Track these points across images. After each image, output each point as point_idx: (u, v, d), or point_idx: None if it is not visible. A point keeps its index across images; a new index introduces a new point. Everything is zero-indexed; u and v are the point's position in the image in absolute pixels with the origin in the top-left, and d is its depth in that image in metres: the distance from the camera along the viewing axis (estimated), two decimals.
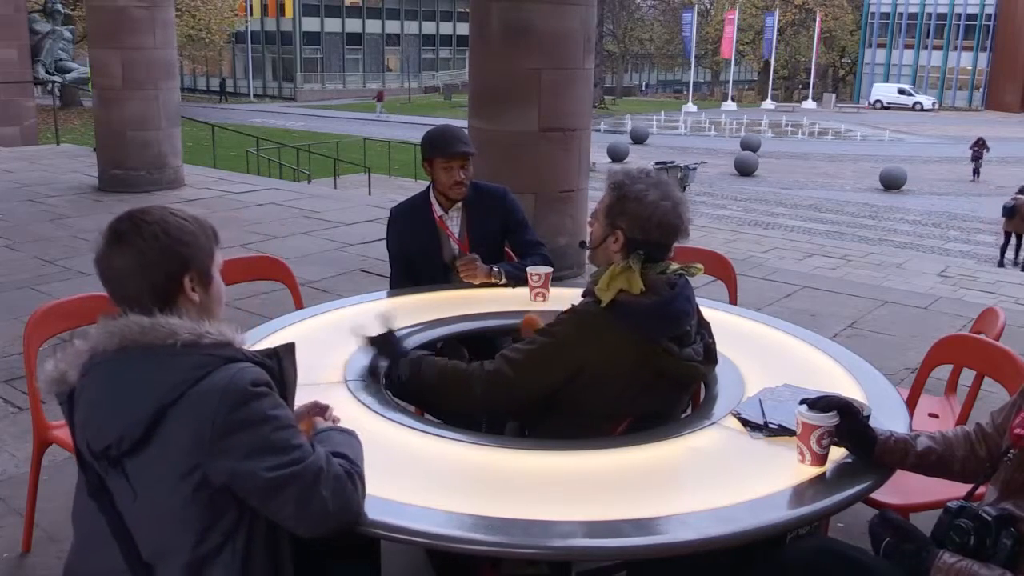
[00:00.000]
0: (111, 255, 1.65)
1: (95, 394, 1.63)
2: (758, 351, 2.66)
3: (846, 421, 1.90)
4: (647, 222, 2.20)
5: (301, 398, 1.88)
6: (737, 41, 52.69)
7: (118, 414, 1.59)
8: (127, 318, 1.64)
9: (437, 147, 3.27)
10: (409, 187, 16.44)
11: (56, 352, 1.69)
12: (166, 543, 1.60)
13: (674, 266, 2.29)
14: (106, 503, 1.64)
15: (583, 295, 2.31)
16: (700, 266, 2.38)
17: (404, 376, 2.31)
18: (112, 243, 1.66)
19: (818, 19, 54.27)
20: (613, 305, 2.17)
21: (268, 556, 1.68)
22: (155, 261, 1.65)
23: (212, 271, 1.74)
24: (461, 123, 5.49)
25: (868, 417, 2.03)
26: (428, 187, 3.39)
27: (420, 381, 2.30)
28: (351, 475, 1.68)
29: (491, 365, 2.26)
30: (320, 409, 1.98)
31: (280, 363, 1.75)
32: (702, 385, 2.49)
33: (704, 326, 2.36)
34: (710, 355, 2.34)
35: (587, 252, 2.39)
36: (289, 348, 1.80)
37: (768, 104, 53.37)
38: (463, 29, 56.75)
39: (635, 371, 2.18)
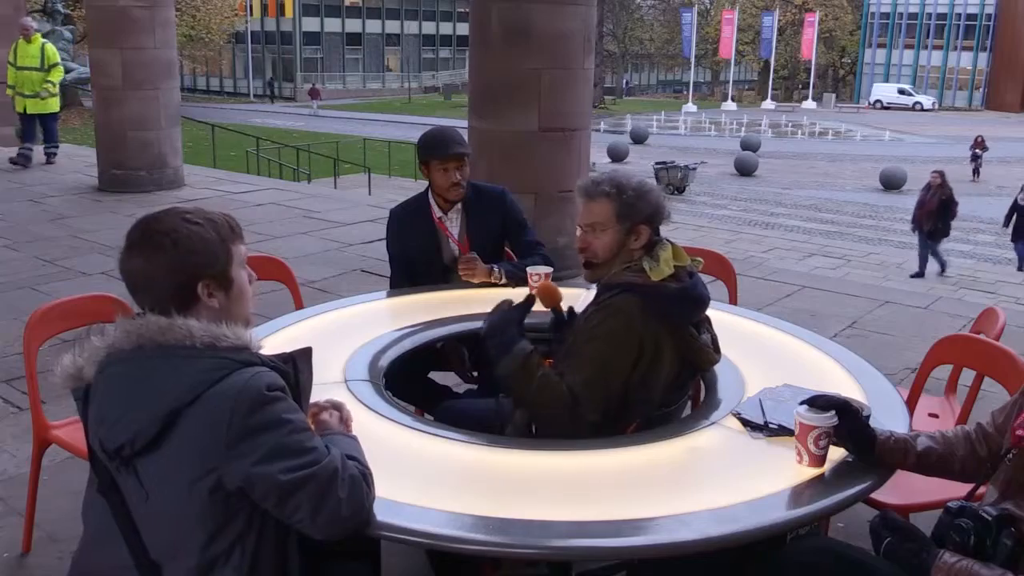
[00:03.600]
0: (126, 262, 1.67)
1: (110, 392, 1.63)
2: (758, 351, 2.66)
3: (845, 421, 1.90)
4: (659, 208, 2.36)
5: None
6: (737, 41, 52.62)
7: (132, 413, 1.59)
8: (145, 318, 1.65)
9: (432, 149, 3.27)
10: (409, 187, 16.45)
11: (74, 347, 1.69)
12: (176, 544, 1.61)
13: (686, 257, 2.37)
14: (116, 501, 1.64)
15: (606, 288, 2.31)
16: (700, 260, 2.48)
17: (504, 366, 2.24)
18: (126, 250, 1.67)
19: (808, 20, 53.95)
20: (643, 293, 2.22)
21: (277, 559, 1.68)
22: (165, 272, 1.65)
23: (231, 273, 1.72)
24: (461, 123, 5.50)
25: (868, 417, 2.03)
26: (427, 188, 3.39)
27: (516, 378, 2.23)
28: (365, 477, 1.69)
29: (565, 385, 2.18)
30: (333, 405, 1.96)
31: (296, 368, 1.75)
32: (702, 385, 2.49)
33: (706, 319, 2.42)
34: (716, 346, 2.40)
35: (587, 271, 2.40)
36: (306, 353, 1.80)
37: (768, 104, 53.32)
38: (463, 29, 56.74)
39: (671, 357, 2.25)
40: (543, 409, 2.22)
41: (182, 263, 1.65)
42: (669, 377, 2.27)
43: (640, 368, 2.22)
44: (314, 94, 46.14)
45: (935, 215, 13.51)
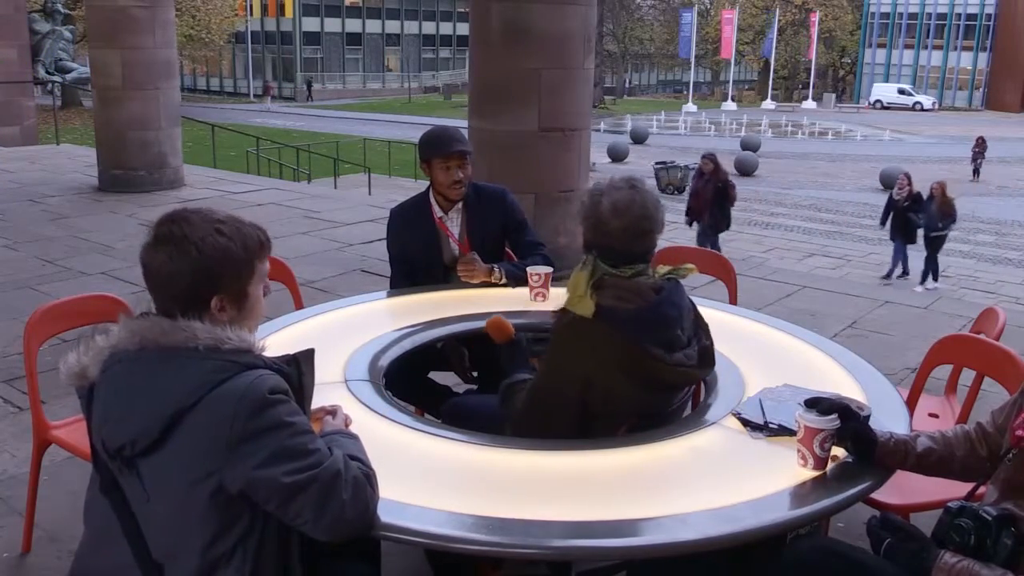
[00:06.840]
0: (148, 255, 1.66)
1: (113, 393, 1.63)
2: (758, 351, 2.66)
3: (846, 424, 1.90)
4: (597, 225, 2.22)
5: None
6: (737, 41, 52.58)
7: (134, 415, 1.59)
8: (150, 319, 1.65)
9: (434, 147, 3.27)
10: (409, 187, 16.45)
11: (79, 345, 1.69)
12: (177, 544, 1.61)
13: (662, 269, 2.26)
14: (118, 501, 1.64)
15: (556, 311, 2.28)
16: (691, 266, 2.36)
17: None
18: (153, 241, 1.66)
19: (812, 20, 54.01)
20: (598, 311, 2.14)
21: (278, 560, 1.68)
22: (183, 277, 1.64)
23: (248, 289, 1.71)
24: (461, 123, 5.50)
25: (868, 417, 2.03)
26: (428, 188, 3.39)
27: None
28: (369, 478, 1.69)
29: (516, 405, 2.28)
30: (328, 411, 1.97)
31: (299, 369, 1.74)
32: (702, 385, 2.49)
33: (702, 328, 2.32)
34: (706, 358, 2.29)
35: None
36: (308, 355, 1.79)
37: (768, 104, 53.29)
38: (463, 29, 56.73)
39: (630, 373, 2.16)
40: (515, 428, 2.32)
41: (202, 274, 1.64)
42: (637, 393, 2.18)
43: (596, 389, 2.16)
44: (267, 90, 50.74)
45: (713, 204, 11.70)
